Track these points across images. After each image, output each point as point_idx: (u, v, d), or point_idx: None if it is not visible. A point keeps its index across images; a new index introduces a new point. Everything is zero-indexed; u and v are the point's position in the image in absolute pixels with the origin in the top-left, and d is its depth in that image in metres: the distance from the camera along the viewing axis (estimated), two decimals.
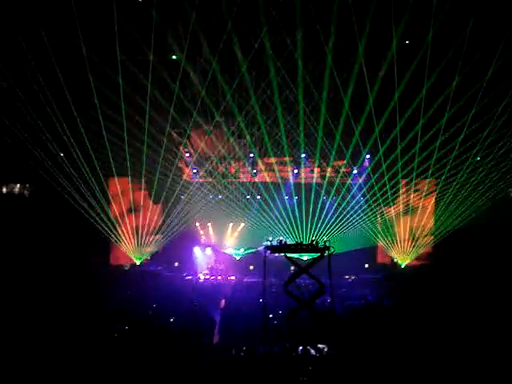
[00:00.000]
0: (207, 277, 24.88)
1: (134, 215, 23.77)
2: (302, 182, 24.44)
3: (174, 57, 19.35)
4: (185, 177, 24.39)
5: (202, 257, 26.24)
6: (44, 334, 10.37)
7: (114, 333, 11.75)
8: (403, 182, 23.23)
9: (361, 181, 24.33)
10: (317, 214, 24.07)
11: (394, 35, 17.22)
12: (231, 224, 26.74)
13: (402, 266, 24.10)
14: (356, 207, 24.11)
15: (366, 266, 25.11)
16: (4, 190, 23.09)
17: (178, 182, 23.68)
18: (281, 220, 24.51)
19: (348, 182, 24.37)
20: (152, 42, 17.53)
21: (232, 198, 24.83)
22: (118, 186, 23.01)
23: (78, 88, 18.82)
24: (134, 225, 23.73)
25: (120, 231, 23.51)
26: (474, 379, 8.58)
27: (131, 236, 23.75)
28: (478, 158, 21.07)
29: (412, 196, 23.64)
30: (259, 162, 24.19)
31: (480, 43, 17.12)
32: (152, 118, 20.31)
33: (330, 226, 24.00)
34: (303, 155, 23.53)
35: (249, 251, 26.15)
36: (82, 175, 20.96)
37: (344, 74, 18.97)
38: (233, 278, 24.59)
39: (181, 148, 23.14)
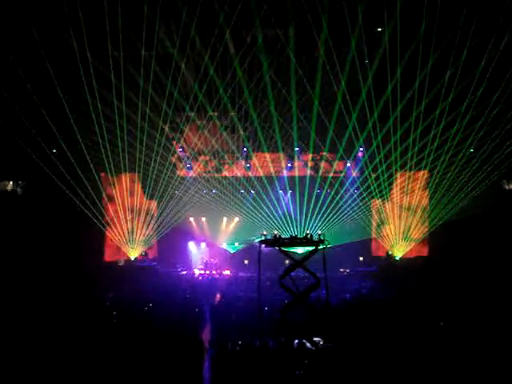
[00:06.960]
0: (202, 272, 24.84)
1: (127, 211, 23.69)
2: (296, 175, 24.41)
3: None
4: (179, 172, 24.32)
5: (196, 252, 26.19)
6: (38, 331, 10.32)
7: (110, 329, 11.72)
8: (397, 174, 23.26)
9: (355, 173, 24.33)
10: (311, 208, 24.05)
11: (386, 26, 17.20)
12: (225, 218, 26.68)
13: (397, 259, 24.15)
14: (350, 200, 24.11)
15: (361, 258, 25.16)
16: None
17: (172, 177, 23.60)
18: (275, 214, 24.47)
19: (342, 174, 24.37)
20: (143, 36, 17.44)
21: (226, 192, 24.76)
22: (112, 182, 22.93)
23: (69, 84, 18.70)
24: (128, 220, 23.66)
25: (114, 226, 23.45)
26: (470, 370, 8.60)
27: (125, 231, 23.68)
28: (472, 150, 21.14)
29: (406, 188, 23.68)
30: (253, 157, 24.13)
31: (472, 36, 17.13)
32: (145, 114, 20.24)
33: (325, 219, 23.98)
34: (297, 149, 23.49)
35: (241, 246, 26.13)
36: (76, 171, 20.86)
37: (337, 66, 18.93)
38: (227, 272, 24.57)
39: (174, 143, 23.05)
